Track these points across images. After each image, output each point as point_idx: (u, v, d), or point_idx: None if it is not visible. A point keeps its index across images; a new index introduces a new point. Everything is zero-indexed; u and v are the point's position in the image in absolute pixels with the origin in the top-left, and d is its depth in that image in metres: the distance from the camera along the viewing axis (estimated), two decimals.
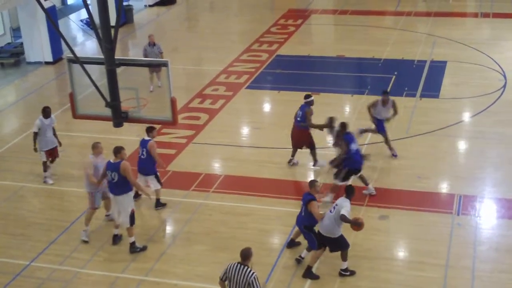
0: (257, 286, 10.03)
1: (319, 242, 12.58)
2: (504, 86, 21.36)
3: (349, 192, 12.51)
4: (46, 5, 22.10)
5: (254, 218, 14.71)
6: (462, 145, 17.97)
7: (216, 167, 17.47)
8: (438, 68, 23.18)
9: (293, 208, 14.49)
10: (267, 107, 21.52)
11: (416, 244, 13.69)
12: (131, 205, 13.54)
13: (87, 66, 12.56)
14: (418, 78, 22.41)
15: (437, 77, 22.41)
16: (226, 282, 10.28)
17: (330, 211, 12.37)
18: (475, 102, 20.26)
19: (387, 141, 16.94)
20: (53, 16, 23.77)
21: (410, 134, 18.24)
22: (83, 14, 32.23)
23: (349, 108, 20.58)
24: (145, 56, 20.98)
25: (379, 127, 16.88)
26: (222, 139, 18.60)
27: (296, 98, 21.01)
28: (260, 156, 17.58)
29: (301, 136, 16.49)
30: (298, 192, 15.46)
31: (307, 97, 16.54)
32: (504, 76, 22.11)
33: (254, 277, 10.03)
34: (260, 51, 26.02)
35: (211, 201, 15.46)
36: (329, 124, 15.78)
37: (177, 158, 17.57)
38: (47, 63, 25.56)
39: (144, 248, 13.69)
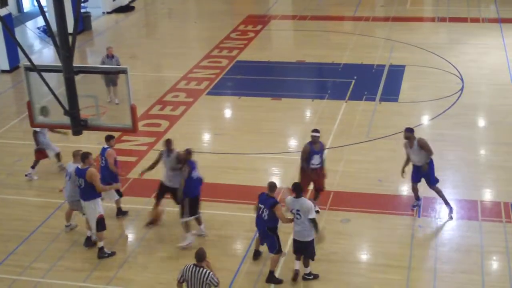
0: (215, 282, 10.33)
1: (296, 250, 12.53)
2: (462, 89, 21.67)
3: (298, 191, 12.27)
4: (2, 12, 21.85)
5: (216, 224, 14.65)
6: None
7: None
8: (396, 72, 23.42)
9: (254, 213, 14.45)
10: (228, 113, 21.48)
11: (379, 247, 13.78)
12: (98, 210, 13.46)
13: (45, 74, 12.41)
14: (378, 82, 22.62)
15: (396, 81, 22.65)
16: (184, 284, 10.46)
17: (297, 218, 12.19)
18: (434, 105, 20.51)
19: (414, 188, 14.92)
20: (9, 24, 23.34)
21: (370, 138, 18.38)
22: (40, 21, 31.81)
23: (309, 113, 20.65)
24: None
25: (414, 176, 14.77)
26: (183, 145, 18.42)
27: (257, 104, 21.16)
28: (221, 162, 17.54)
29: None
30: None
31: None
32: (461, 79, 22.44)
33: (211, 276, 10.32)
34: (220, 57, 25.99)
35: (172, 208, 15.33)
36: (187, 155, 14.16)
37: (138, 165, 17.40)
38: (3, 71, 25.15)
39: (112, 254, 13.58)
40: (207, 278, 10.25)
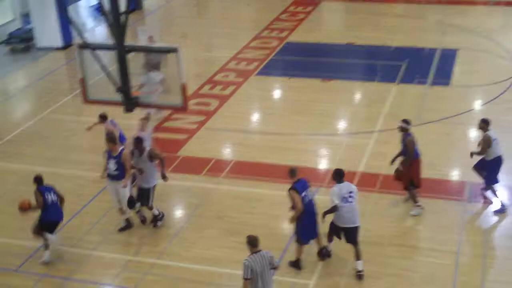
0: (276, 263, 10.40)
1: (336, 234, 12.39)
2: None
3: (340, 175, 12.03)
4: None
5: (264, 203, 14.73)
6: (473, 133, 17.85)
7: (227, 152, 17.48)
8: (449, 56, 23.06)
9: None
10: (277, 93, 21.48)
11: (427, 231, 13.67)
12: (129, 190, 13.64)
13: (97, 52, 12.58)
14: (429, 65, 22.32)
15: (448, 65, 22.31)
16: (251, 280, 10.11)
17: (351, 202, 11.92)
18: (486, 90, 20.17)
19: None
20: (63, 2, 23.75)
21: (421, 122, 18.17)
22: (93, 0, 32.18)
23: (359, 95, 20.52)
24: (145, 58, 20.13)
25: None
26: (233, 125, 18.59)
27: (306, 85, 21.11)
28: (270, 141, 17.58)
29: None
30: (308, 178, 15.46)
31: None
32: None
33: (272, 255, 10.32)
34: (270, 38, 25.96)
35: (222, 186, 15.48)
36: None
37: (187, 143, 17.58)
38: (57, 48, 25.58)
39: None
40: (271, 256, 10.25)
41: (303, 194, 12.04)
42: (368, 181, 15.23)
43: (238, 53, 24.29)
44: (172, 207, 14.95)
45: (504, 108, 18.90)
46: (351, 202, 12.00)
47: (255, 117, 19.61)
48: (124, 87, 12.83)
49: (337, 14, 29.94)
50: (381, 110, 19.01)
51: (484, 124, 14.12)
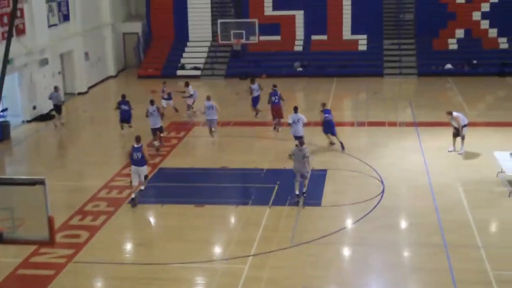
0: (307, 154, 20.08)
1: None
2: (382, 191, 22.02)
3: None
4: None
5: None
6: (345, 252, 18.17)
7: (99, 287, 16.78)
8: (319, 176, 23.63)
9: None
10: (151, 221, 21.11)
11: None
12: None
13: None
14: None
15: (319, 185, 22.82)
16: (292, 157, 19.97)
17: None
18: (356, 209, 20.70)
19: None
20: None
21: (294, 243, 18.29)
22: None
23: (233, 219, 20.50)
24: None
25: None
26: (104, 256, 17.96)
27: (180, 211, 20.91)
28: (145, 273, 17.06)
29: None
30: None
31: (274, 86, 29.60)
32: (382, 182, 22.84)
33: (307, 150, 20.29)
34: None
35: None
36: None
37: (56, 279, 16.75)
38: None
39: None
40: (304, 152, 20.26)
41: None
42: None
43: (109, 181, 23.88)
44: None
45: (373, 226, 19.41)
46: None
47: (128, 247, 19.09)
48: None
49: (209, 139, 30.28)
50: (255, 234, 19.01)
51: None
